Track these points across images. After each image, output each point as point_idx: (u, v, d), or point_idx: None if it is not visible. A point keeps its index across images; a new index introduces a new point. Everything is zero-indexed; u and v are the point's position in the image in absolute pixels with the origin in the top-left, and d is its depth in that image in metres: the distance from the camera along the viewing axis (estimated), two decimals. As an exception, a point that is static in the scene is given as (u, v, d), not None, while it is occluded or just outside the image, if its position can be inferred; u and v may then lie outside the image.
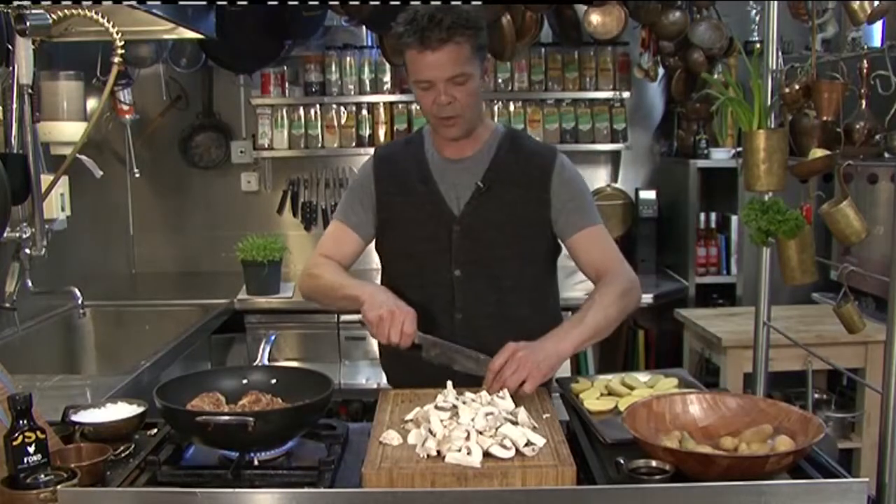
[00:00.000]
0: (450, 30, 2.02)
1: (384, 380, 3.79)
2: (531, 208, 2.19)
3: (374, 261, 2.38)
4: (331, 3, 3.68)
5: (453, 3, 2.73)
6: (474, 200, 2.18)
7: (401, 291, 2.12)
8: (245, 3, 3.50)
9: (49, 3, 2.20)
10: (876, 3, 1.74)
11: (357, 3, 3.61)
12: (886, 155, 2.05)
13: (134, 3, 2.51)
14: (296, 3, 3.67)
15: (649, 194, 4.33)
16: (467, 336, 2.10)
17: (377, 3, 3.57)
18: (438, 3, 2.13)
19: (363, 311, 2.02)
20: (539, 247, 2.24)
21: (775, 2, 2.11)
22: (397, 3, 3.59)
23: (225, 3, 3.38)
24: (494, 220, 2.18)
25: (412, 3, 3.68)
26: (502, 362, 1.87)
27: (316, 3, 3.72)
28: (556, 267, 2.34)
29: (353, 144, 4.31)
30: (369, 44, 4.35)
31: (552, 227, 2.21)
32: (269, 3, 3.63)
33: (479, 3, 3.41)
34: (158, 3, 2.73)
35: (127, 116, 4.14)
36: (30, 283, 2.43)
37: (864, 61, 1.88)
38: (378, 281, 2.34)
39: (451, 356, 2.01)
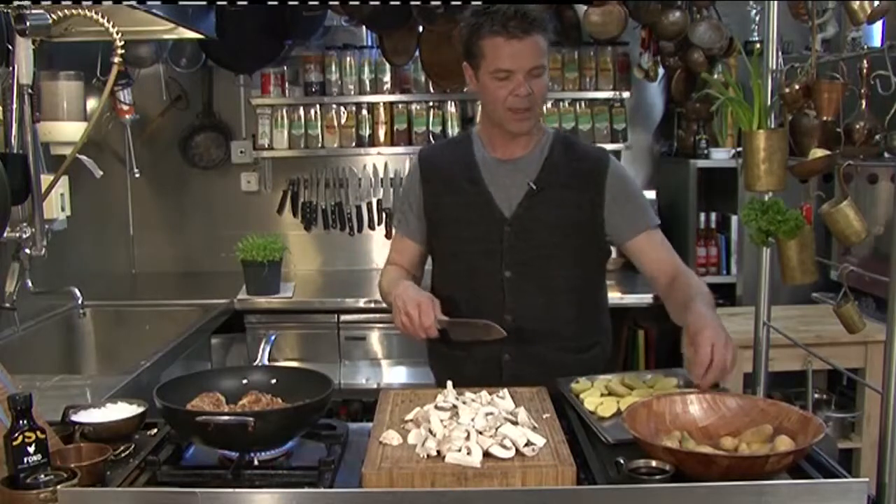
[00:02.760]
0: (534, 22, 2.08)
1: (384, 379, 3.84)
2: (583, 210, 2.20)
3: (429, 262, 2.41)
4: (331, 3, 3.68)
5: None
6: (526, 201, 2.19)
7: (451, 292, 2.16)
8: (245, 3, 3.50)
9: (49, 2, 2.20)
10: (876, 2, 1.74)
11: (357, 3, 3.60)
12: (886, 155, 2.04)
13: (134, 3, 2.51)
14: (296, 3, 3.67)
15: (649, 194, 4.30)
16: (517, 336, 2.13)
17: (377, 3, 3.57)
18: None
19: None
20: (589, 248, 2.25)
21: (775, 2, 2.11)
22: (397, 3, 3.59)
23: (225, 3, 3.38)
24: (546, 221, 2.19)
25: (412, 2, 3.71)
26: (710, 351, 1.82)
27: (316, 3, 3.72)
28: (605, 269, 2.35)
29: (353, 144, 4.31)
30: (369, 44, 4.35)
31: (604, 228, 2.22)
32: (269, 3, 3.63)
33: (479, 2, 3.41)
34: (158, 3, 2.73)
35: (127, 116, 4.13)
36: (30, 283, 2.43)
37: (864, 61, 1.87)
38: (430, 281, 2.36)
39: (471, 331, 2.09)
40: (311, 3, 3.71)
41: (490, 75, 2.11)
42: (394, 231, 2.42)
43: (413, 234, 2.33)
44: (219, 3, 3.33)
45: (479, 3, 2.16)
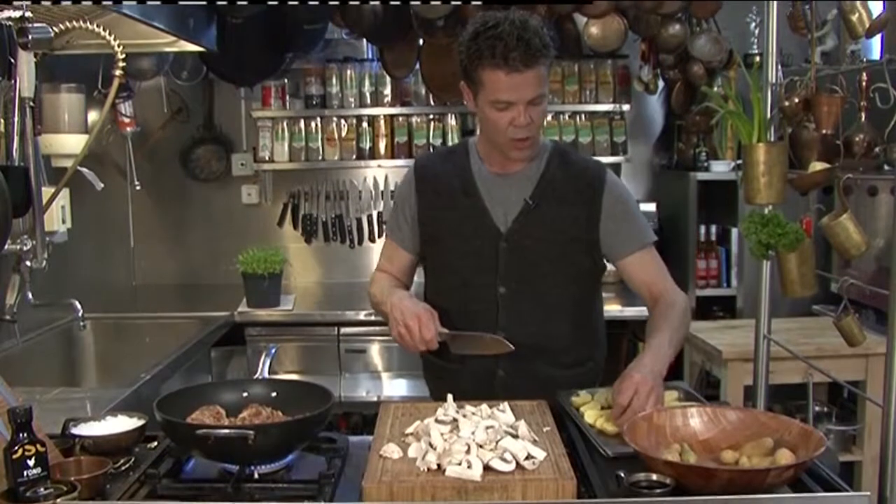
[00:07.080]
0: (537, 54, 1.98)
1: (384, 392, 3.84)
2: (579, 225, 2.17)
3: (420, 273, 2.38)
4: (331, 3, 3.67)
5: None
6: (522, 217, 2.16)
7: (444, 305, 2.13)
8: (246, 15, 3.51)
9: (49, 3, 2.20)
10: (875, 16, 1.75)
11: (357, 2, 3.60)
12: (886, 167, 2.05)
13: (136, 15, 2.52)
14: (296, 6, 3.66)
15: (649, 207, 4.32)
16: (511, 352, 2.08)
17: (377, 2, 3.57)
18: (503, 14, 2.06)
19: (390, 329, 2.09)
20: (584, 264, 2.22)
21: (775, 15, 2.12)
22: (397, 2, 3.60)
23: (226, 15, 3.39)
24: (542, 237, 2.16)
25: (412, 1, 3.71)
26: (630, 396, 1.80)
27: (316, 2, 3.70)
28: (600, 284, 2.32)
29: (354, 157, 4.31)
30: (370, 56, 4.37)
31: (599, 245, 2.19)
32: (270, 13, 3.63)
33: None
34: (159, 11, 2.74)
35: (128, 129, 4.14)
36: (30, 296, 2.42)
37: (864, 74, 1.89)
38: (423, 295, 2.33)
39: (475, 344, 2.09)
40: (311, 4, 3.70)
41: (489, 104, 2.05)
42: (385, 237, 2.40)
43: (405, 243, 2.30)
44: (220, 15, 3.34)
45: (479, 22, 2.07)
